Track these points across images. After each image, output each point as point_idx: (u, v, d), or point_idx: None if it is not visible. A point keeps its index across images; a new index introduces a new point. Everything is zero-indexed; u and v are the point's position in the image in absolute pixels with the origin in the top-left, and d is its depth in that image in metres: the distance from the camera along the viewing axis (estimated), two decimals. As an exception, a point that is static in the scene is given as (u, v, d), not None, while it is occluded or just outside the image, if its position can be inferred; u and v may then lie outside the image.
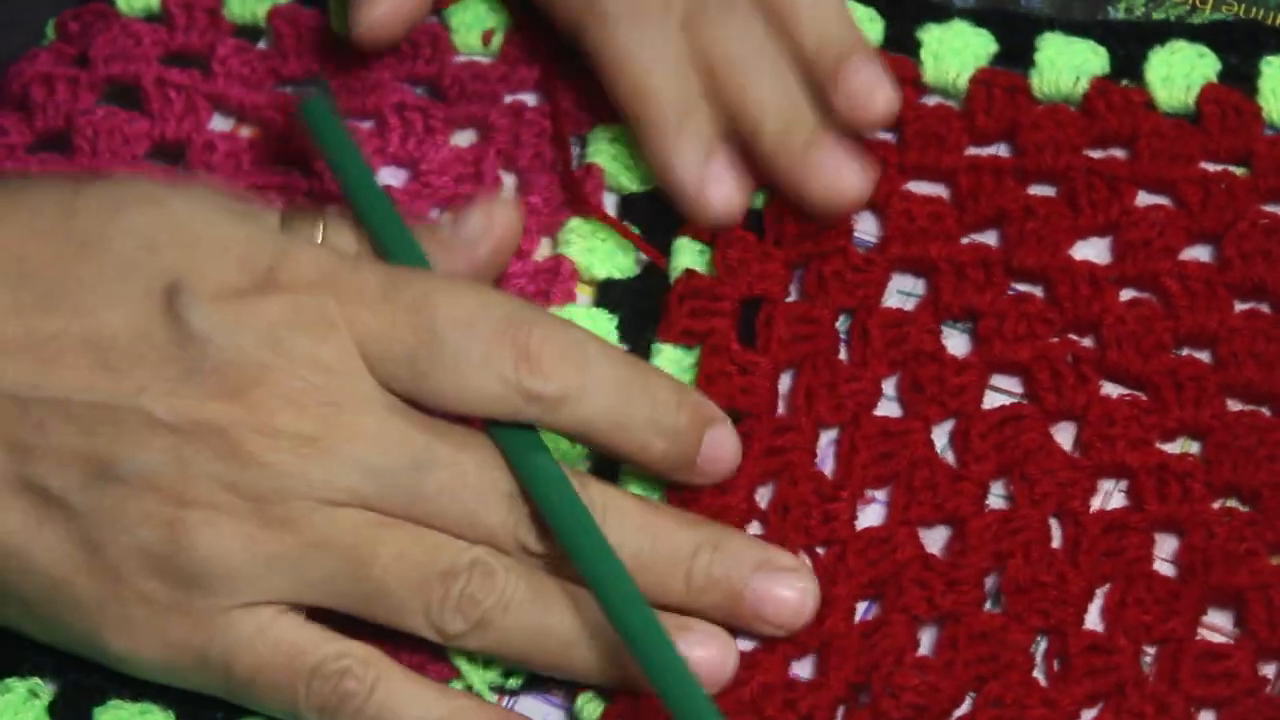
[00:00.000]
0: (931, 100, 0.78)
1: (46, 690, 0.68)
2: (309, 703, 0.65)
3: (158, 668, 0.66)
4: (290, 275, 0.66)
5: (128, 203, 0.67)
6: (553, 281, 0.75)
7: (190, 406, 0.64)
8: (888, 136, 0.77)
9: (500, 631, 0.66)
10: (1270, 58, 0.77)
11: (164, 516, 0.64)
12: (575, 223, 0.77)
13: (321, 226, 0.70)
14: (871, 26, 0.79)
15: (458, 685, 0.67)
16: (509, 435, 0.67)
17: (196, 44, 0.81)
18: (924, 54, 0.78)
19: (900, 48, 0.79)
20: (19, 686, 0.68)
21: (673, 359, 0.73)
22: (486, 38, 0.81)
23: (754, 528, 0.70)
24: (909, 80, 0.78)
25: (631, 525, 0.67)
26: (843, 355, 0.73)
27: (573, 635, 0.66)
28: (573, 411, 0.67)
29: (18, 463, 0.64)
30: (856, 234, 0.76)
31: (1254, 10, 0.80)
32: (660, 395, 0.68)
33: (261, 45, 0.82)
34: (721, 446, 0.69)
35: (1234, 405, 0.71)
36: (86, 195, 0.67)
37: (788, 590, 0.67)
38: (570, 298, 0.76)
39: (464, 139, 0.80)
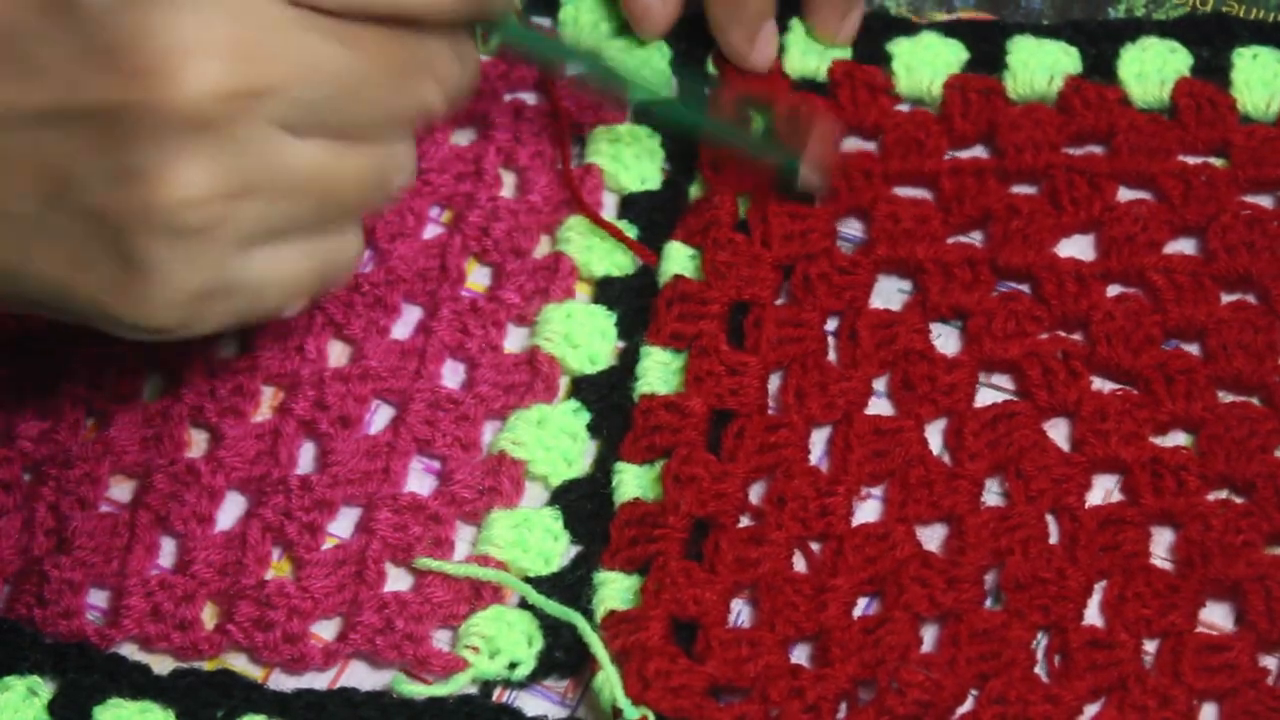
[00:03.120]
0: (906, 108, 0.78)
1: (46, 688, 0.67)
2: None
3: None
4: None
5: None
6: (552, 278, 0.75)
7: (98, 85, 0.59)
8: (868, 145, 0.77)
9: None
10: (1241, 49, 0.77)
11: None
12: (574, 221, 0.77)
13: None
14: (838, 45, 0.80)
15: (465, 677, 0.67)
16: None
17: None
18: (896, 66, 0.78)
19: (871, 60, 0.79)
20: (18, 684, 0.67)
21: (661, 361, 0.73)
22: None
23: (746, 521, 0.70)
24: (882, 90, 0.78)
25: None
26: (831, 357, 0.73)
27: None
28: None
29: None
30: (842, 231, 0.75)
31: (1254, 10, 0.80)
32: None
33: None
34: None
35: (1225, 397, 0.71)
36: None
37: None
38: (569, 294, 0.75)
39: (463, 137, 0.79)
